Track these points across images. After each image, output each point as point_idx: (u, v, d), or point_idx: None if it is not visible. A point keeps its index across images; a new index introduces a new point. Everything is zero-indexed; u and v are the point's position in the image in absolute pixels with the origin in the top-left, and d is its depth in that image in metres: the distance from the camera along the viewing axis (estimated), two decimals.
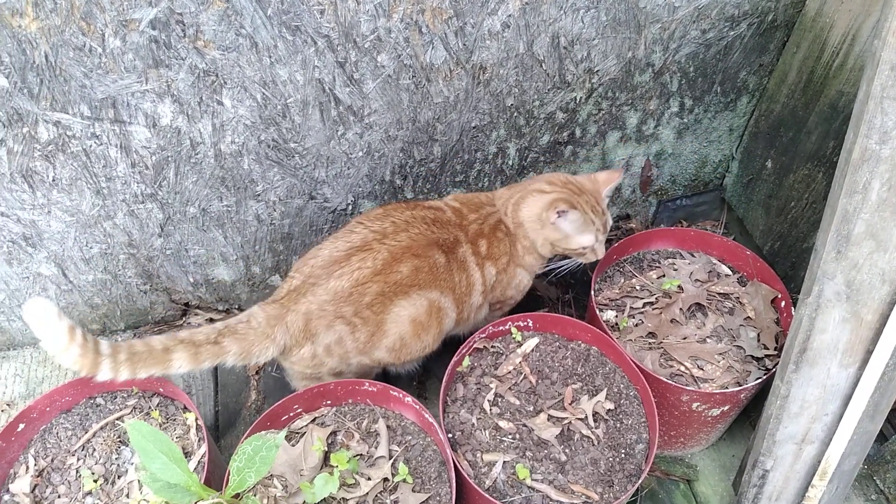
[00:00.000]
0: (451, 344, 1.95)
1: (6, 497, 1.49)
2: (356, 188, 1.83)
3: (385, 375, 1.99)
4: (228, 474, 1.22)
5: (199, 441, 1.54)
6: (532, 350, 1.69)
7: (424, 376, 2.02)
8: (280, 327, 1.52)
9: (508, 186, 1.74)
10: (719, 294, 1.80)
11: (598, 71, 1.74)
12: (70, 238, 1.75)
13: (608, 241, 2.20)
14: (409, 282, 1.55)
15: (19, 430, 1.54)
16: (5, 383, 2.00)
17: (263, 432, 1.25)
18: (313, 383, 1.63)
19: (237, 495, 1.23)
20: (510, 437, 1.56)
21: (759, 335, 1.71)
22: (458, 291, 1.64)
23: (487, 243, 1.67)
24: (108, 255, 1.82)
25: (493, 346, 1.70)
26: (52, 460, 1.54)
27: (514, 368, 1.67)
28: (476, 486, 1.42)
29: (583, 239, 1.66)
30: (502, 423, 1.57)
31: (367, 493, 1.48)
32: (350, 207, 1.87)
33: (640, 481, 1.45)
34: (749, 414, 1.89)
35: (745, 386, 1.58)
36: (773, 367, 1.63)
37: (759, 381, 1.59)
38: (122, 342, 1.41)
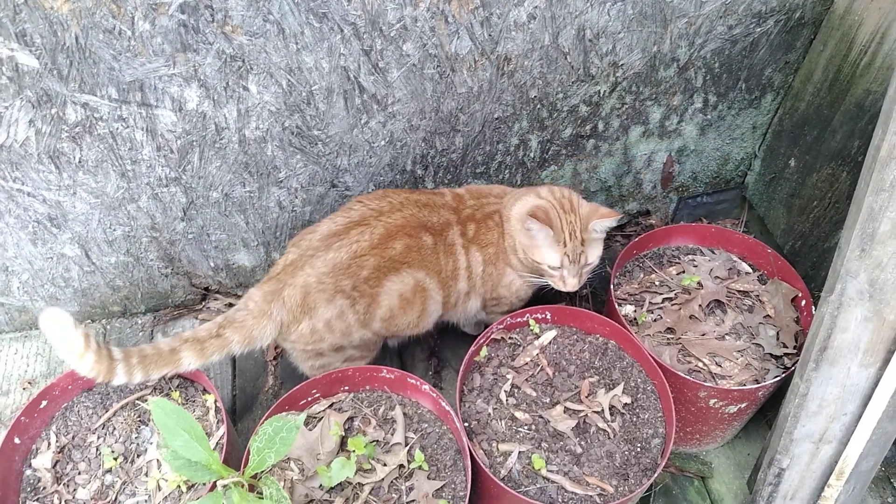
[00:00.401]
0: (465, 336, 1.96)
1: (28, 472, 1.51)
2: (377, 177, 1.83)
3: (402, 364, 2.00)
4: (248, 454, 1.23)
5: (217, 423, 1.55)
6: (549, 342, 1.70)
7: (440, 366, 2.02)
8: (276, 303, 1.54)
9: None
10: (739, 291, 1.79)
11: (622, 64, 1.74)
12: (94, 220, 1.77)
13: (627, 237, 2.21)
14: (402, 259, 1.58)
15: (42, 406, 1.56)
16: (27, 362, 2.02)
17: (284, 413, 1.26)
18: (318, 362, 1.65)
19: (256, 475, 1.24)
20: (526, 427, 1.56)
21: (778, 333, 1.70)
22: (444, 275, 1.65)
23: (476, 227, 1.67)
24: (131, 238, 1.84)
25: (510, 338, 1.71)
26: (73, 437, 1.56)
27: (532, 360, 1.67)
28: (491, 475, 1.43)
29: (547, 255, 1.61)
30: (518, 414, 1.58)
31: (383, 479, 1.49)
32: None
33: (655, 475, 1.45)
34: (765, 413, 1.88)
35: (764, 384, 1.57)
36: (792, 365, 1.62)
37: (778, 379, 1.59)
38: (132, 347, 1.48)
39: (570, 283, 1.65)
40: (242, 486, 1.20)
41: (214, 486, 1.21)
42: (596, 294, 2.12)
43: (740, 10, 1.71)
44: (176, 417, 1.15)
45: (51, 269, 1.88)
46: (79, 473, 1.52)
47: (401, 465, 1.51)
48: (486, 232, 1.68)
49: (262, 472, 1.22)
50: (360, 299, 1.57)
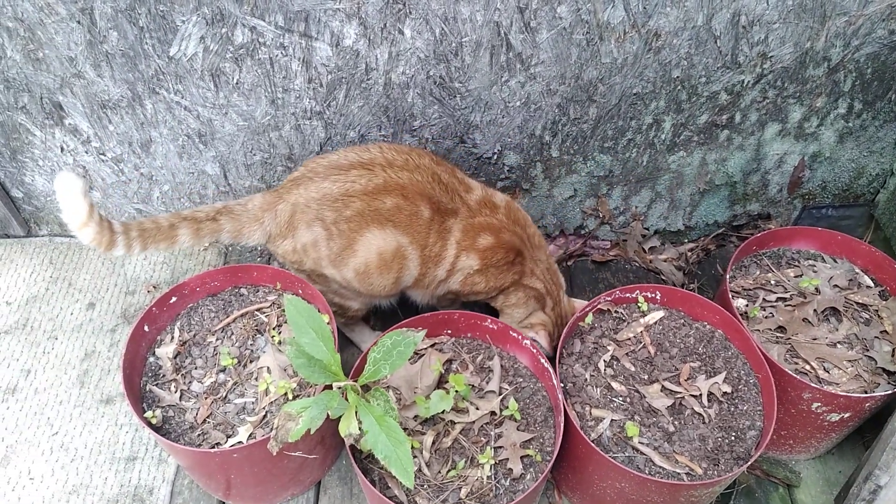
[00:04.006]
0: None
1: (152, 359, 1.64)
2: (505, 138, 1.88)
3: None
4: (362, 363, 1.30)
5: None
6: (655, 322, 1.70)
7: None
8: (270, 213, 1.62)
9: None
10: (857, 303, 1.74)
11: (771, 56, 1.71)
12: (238, 142, 1.89)
13: (742, 239, 2.17)
14: (389, 215, 1.58)
15: (171, 301, 1.69)
16: (154, 268, 2.17)
17: (404, 329, 1.32)
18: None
19: (365, 387, 1.30)
20: (620, 398, 1.57)
21: (894, 350, 1.65)
22: (427, 253, 1.65)
23: (495, 242, 1.67)
24: (268, 165, 1.95)
25: (616, 311, 1.72)
26: (195, 335, 1.68)
27: (635, 336, 1.68)
28: (584, 436, 1.45)
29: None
30: (615, 385, 1.59)
31: (475, 422, 1.54)
32: (495, 157, 1.92)
33: (748, 464, 1.44)
34: (864, 434, 1.82)
35: (873, 394, 1.53)
36: None
37: (888, 394, 1.54)
38: (132, 221, 1.55)
39: None
40: (357, 392, 1.26)
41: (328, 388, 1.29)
42: (703, 290, 2.10)
43: None
44: (307, 316, 1.22)
45: (190, 183, 2.02)
46: (195, 368, 1.63)
47: (493, 413, 1.55)
48: (504, 266, 1.71)
49: (376, 381, 1.28)
50: (338, 237, 1.59)
